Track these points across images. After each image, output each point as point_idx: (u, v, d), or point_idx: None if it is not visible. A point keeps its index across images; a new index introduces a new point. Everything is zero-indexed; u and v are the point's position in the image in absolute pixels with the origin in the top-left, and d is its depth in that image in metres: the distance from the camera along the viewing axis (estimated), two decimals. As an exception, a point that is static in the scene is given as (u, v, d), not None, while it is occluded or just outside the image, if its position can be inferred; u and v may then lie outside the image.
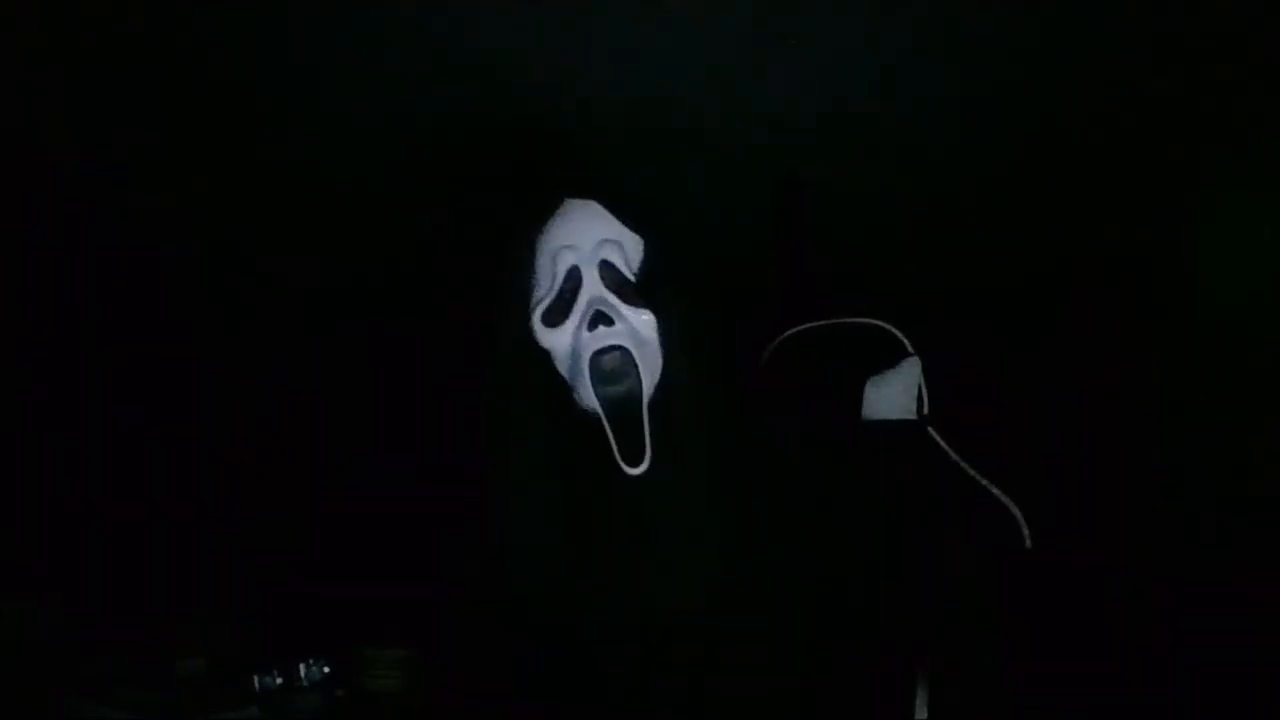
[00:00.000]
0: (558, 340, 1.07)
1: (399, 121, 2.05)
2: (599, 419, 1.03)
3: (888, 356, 1.33)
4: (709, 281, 1.16)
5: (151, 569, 2.04)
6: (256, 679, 1.74)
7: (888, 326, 1.37)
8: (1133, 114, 2.11)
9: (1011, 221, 2.30)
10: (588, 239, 1.08)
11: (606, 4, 1.80)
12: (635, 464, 1.02)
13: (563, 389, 1.07)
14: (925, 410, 1.32)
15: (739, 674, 1.03)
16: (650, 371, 1.06)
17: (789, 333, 1.42)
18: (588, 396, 1.04)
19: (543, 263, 1.09)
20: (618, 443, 1.02)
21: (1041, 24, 1.88)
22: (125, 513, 2.09)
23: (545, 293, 1.08)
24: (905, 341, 1.35)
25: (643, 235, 1.10)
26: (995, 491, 1.26)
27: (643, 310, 1.07)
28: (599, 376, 1.04)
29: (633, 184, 2.02)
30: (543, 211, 1.10)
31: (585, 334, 1.04)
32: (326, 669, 1.76)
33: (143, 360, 2.21)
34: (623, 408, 1.03)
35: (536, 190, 1.17)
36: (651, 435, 1.02)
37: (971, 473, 1.27)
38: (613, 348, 1.04)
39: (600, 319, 1.04)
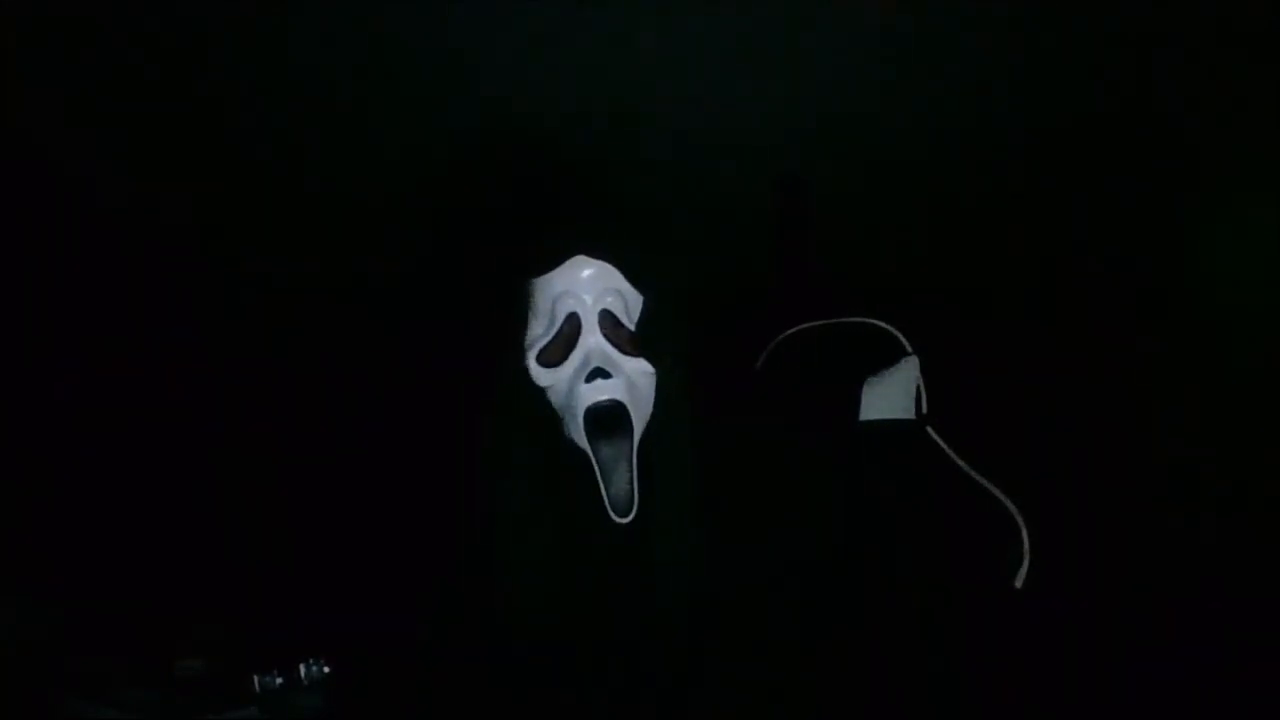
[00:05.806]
0: (553, 380, 1.10)
1: (393, 142, 2.05)
2: (587, 457, 1.06)
3: (886, 356, 1.33)
4: (705, 326, 1.18)
5: (151, 569, 2.04)
6: (256, 679, 1.74)
7: (886, 326, 1.37)
8: (1135, 113, 2.11)
9: (1012, 221, 2.30)
10: (589, 287, 1.10)
11: (600, 12, 1.81)
12: (623, 514, 1.05)
13: (555, 426, 1.10)
14: (924, 410, 1.32)
15: (731, 685, 1.04)
16: (641, 418, 1.08)
17: (788, 332, 1.42)
18: (579, 439, 1.07)
19: (542, 305, 1.11)
20: (608, 493, 1.05)
21: (1043, 23, 1.88)
22: (125, 513, 2.09)
23: (543, 334, 1.11)
24: (904, 341, 1.35)
25: (644, 292, 1.12)
26: (995, 492, 1.26)
27: (639, 359, 1.09)
28: (593, 430, 1.06)
29: (631, 187, 2.04)
30: (548, 258, 1.12)
31: (582, 385, 1.07)
32: (326, 669, 1.76)
33: (143, 360, 2.21)
34: (614, 460, 1.06)
35: (537, 217, 1.19)
36: (639, 485, 1.06)
37: (971, 473, 1.27)
38: (609, 402, 1.06)
39: (598, 374, 1.06)
